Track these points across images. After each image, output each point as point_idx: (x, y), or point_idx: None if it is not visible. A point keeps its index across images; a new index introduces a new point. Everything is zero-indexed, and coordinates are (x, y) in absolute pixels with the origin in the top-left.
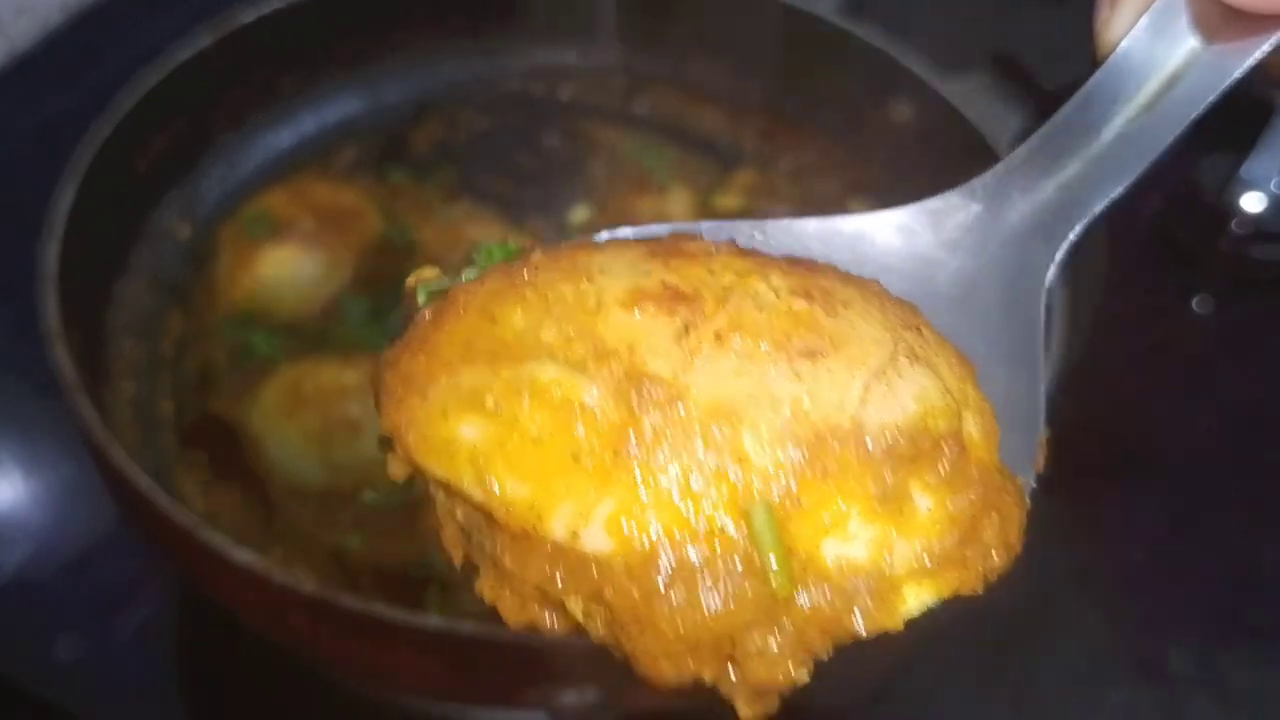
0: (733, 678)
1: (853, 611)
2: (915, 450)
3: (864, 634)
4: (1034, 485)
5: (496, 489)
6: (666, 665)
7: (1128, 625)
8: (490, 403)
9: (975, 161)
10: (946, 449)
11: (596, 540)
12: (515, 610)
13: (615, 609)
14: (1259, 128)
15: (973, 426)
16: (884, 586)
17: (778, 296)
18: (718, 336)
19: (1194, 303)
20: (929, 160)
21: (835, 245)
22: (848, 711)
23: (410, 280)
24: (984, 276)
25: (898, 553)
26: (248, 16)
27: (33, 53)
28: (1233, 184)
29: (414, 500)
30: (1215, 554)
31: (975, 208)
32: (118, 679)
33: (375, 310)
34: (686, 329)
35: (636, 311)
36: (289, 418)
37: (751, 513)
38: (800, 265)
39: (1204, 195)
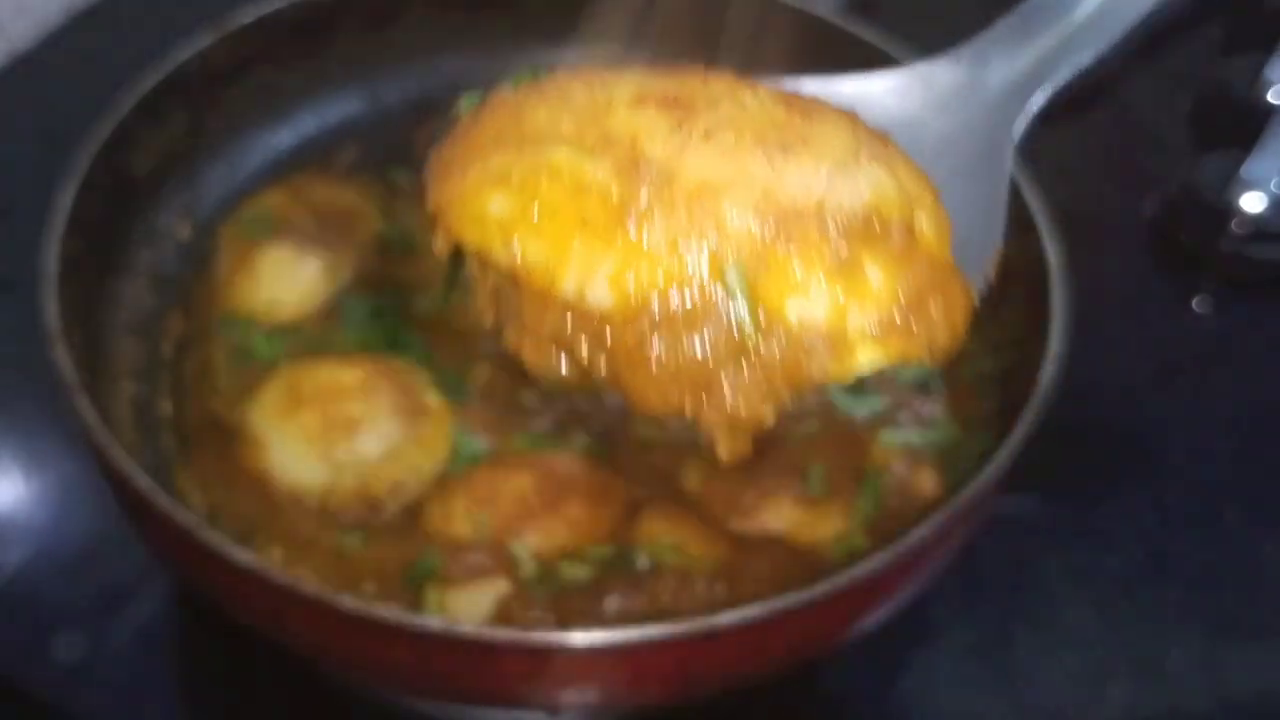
0: (709, 413)
1: (810, 361)
2: (868, 230)
3: (819, 379)
4: (984, 288)
5: (519, 254)
6: (654, 397)
7: (1127, 625)
8: (515, 180)
9: None
10: (896, 233)
11: (600, 295)
12: (534, 354)
13: (613, 352)
14: (1259, 128)
15: (925, 223)
16: (839, 344)
17: (761, 105)
18: (707, 131)
19: (1193, 303)
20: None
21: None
22: (846, 709)
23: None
24: (964, 133)
25: (851, 316)
26: (247, 17)
27: (32, 52)
28: (1233, 184)
29: (414, 503)
30: (1216, 554)
31: (960, 72)
32: (117, 679)
33: (376, 310)
34: (680, 124)
35: (639, 109)
36: (289, 418)
37: (726, 271)
38: (786, 92)
39: (1204, 195)
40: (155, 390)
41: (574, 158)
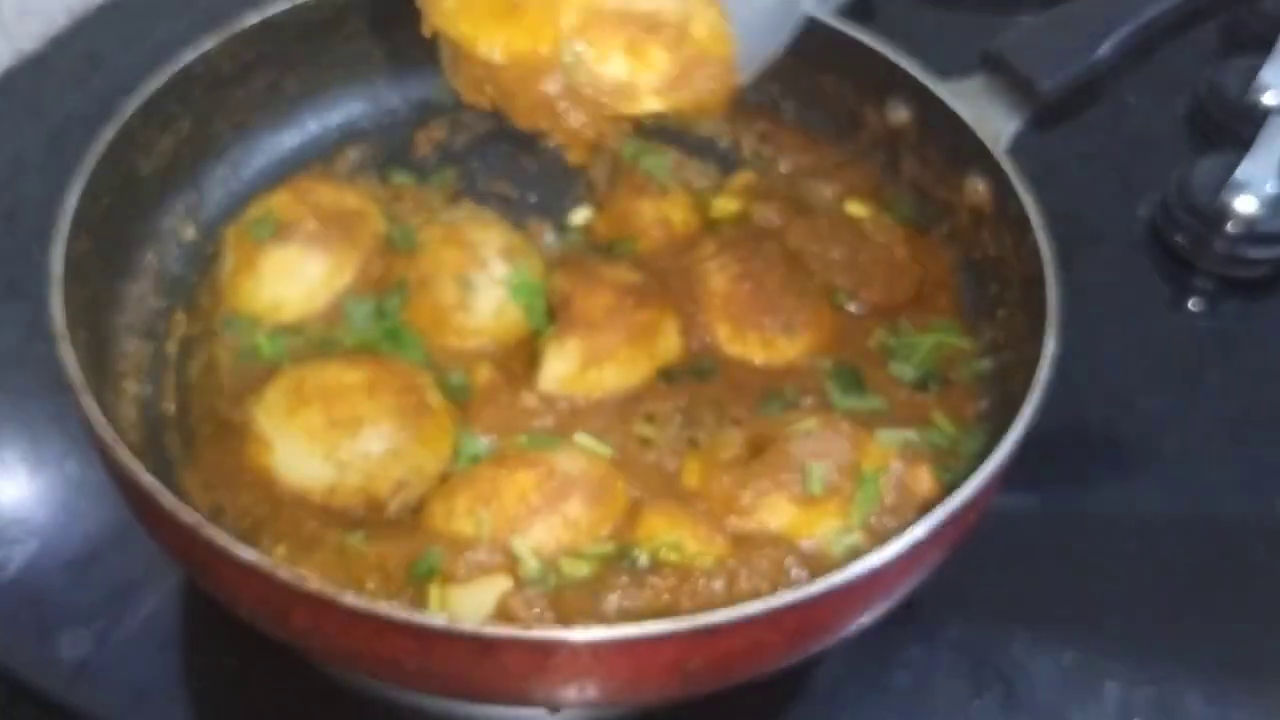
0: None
1: (617, 102)
2: (653, 27)
3: (624, 112)
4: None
5: (460, 31)
6: (525, 119)
7: (1121, 623)
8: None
9: (972, 162)
10: (673, 30)
11: (496, 55)
12: (466, 92)
13: (504, 88)
14: (1253, 131)
15: (699, 27)
16: (633, 93)
17: None
18: None
19: (1188, 303)
20: (927, 162)
21: None
22: (843, 705)
23: None
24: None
25: (639, 77)
26: (251, 19)
27: (38, 55)
28: (1227, 186)
29: (417, 501)
30: (1210, 552)
31: None
32: (122, 676)
33: (379, 310)
34: None
35: None
36: (292, 417)
37: (564, 44)
38: None
39: (1198, 197)
40: (160, 390)
41: None
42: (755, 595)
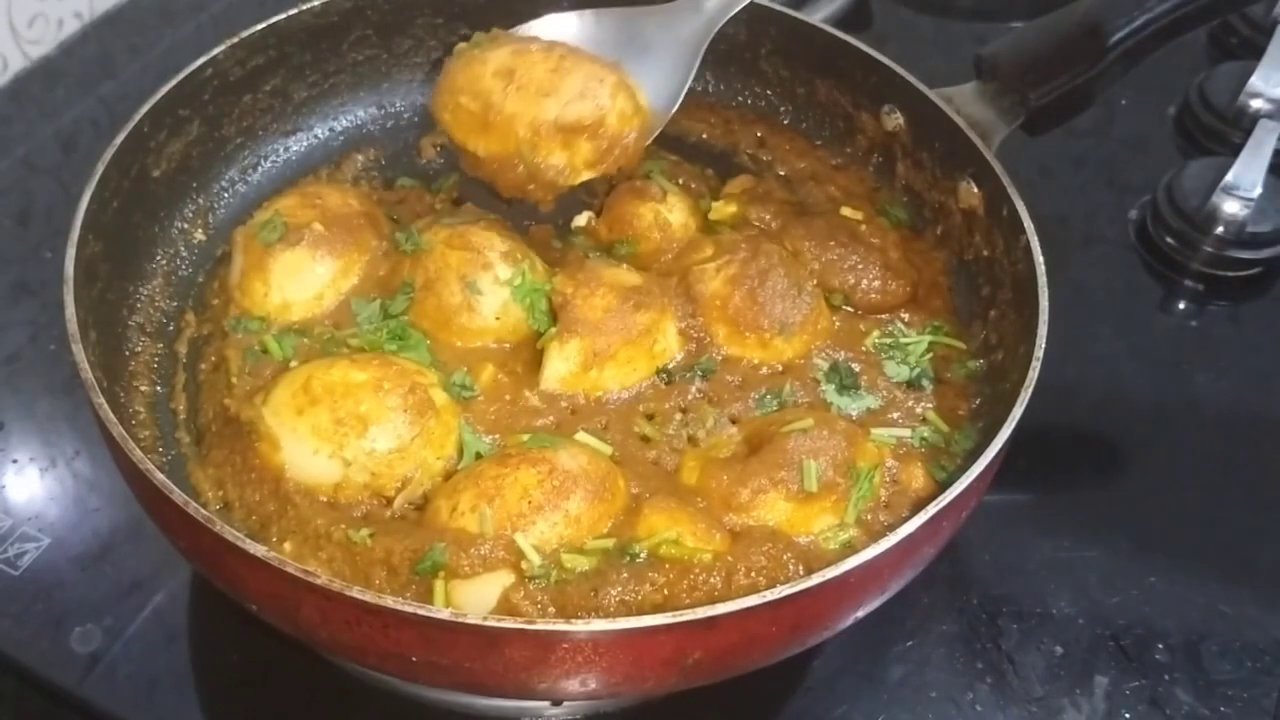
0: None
1: (565, 176)
2: (579, 128)
3: (571, 180)
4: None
5: (456, 138)
6: (506, 190)
7: (1111, 617)
8: (450, 107)
9: (965, 166)
10: (592, 128)
11: (481, 153)
12: (470, 170)
13: (490, 171)
14: (1242, 136)
15: (613, 119)
16: (573, 168)
17: (549, 67)
18: (519, 86)
19: (1176, 304)
20: (921, 166)
21: (606, 27)
22: (839, 696)
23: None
24: (679, 43)
25: (576, 157)
26: (259, 26)
27: (48, 59)
28: (1216, 189)
29: (422, 498)
30: (1197, 548)
31: (677, 13)
32: (132, 670)
33: (384, 311)
34: (512, 80)
35: (506, 78)
36: (300, 416)
37: (522, 144)
38: (565, 50)
39: (1187, 200)
40: (171, 389)
41: (494, 84)
42: (753, 590)
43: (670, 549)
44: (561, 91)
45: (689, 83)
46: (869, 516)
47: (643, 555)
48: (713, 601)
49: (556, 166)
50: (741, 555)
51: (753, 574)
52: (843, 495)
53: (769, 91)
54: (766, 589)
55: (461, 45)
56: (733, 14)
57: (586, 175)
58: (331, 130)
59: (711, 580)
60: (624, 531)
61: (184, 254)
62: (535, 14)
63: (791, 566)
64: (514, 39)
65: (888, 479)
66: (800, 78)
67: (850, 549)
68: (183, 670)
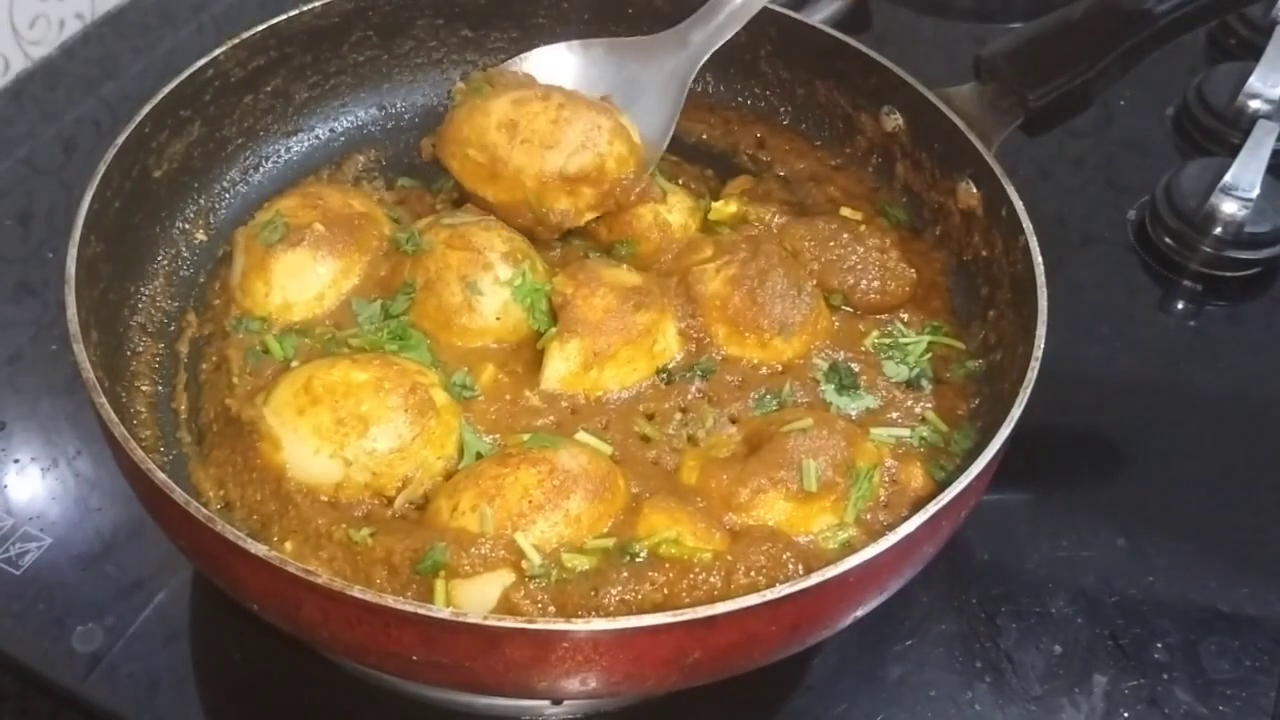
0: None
1: (568, 218)
2: (582, 178)
3: (573, 220)
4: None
5: (467, 186)
6: (512, 221)
7: (1110, 616)
8: (471, 152)
9: (964, 167)
10: (593, 176)
11: (490, 200)
12: (480, 210)
13: (501, 215)
14: (1240, 137)
15: (611, 164)
16: (576, 212)
17: (550, 118)
18: (524, 140)
19: (1175, 305)
20: (920, 167)
21: (595, 60)
22: (839, 695)
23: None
24: (666, 76)
25: (579, 202)
26: (260, 27)
27: (50, 60)
28: (1214, 190)
29: (422, 497)
30: (1195, 547)
31: (672, 42)
32: (134, 669)
33: (385, 311)
34: (516, 134)
35: (507, 128)
36: (301, 416)
37: (529, 195)
38: (563, 99)
39: (1186, 201)
40: (172, 389)
41: (500, 137)
42: (752, 589)
43: (670, 548)
44: (564, 144)
45: (677, 116)
46: (868, 516)
47: (643, 555)
48: (713, 601)
49: (562, 211)
50: (741, 555)
51: (752, 573)
52: (842, 495)
53: (769, 92)
54: (766, 589)
55: (460, 86)
56: (716, 48)
57: (589, 217)
58: (332, 131)
59: (711, 580)
60: (624, 531)
61: (185, 254)
62: (534, 15)
63: (791, 566)
64: (511, 85)
65: (887, 479)
66: (800, 79)
67: (849, 549)
68: (184, 669)
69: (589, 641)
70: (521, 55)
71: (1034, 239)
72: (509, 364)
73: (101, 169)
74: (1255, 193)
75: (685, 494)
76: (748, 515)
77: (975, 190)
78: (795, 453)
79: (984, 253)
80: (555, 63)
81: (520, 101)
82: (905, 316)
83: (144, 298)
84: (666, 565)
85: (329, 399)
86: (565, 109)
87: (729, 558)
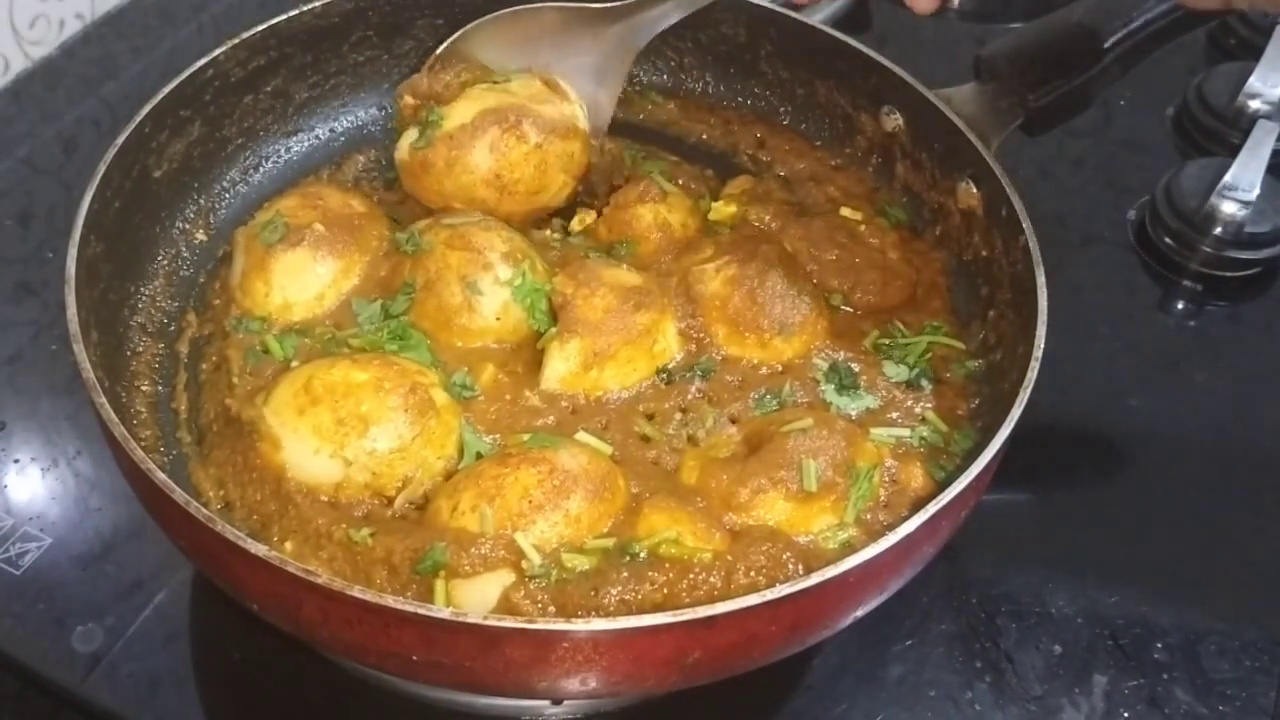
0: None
1: (538, 200)
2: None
3: (542, 207)
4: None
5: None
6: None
7: (1110, 615)
8: (458, 205)
9: (964, 167)
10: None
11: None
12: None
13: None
14: (1240, 137)
15: (581, 167)
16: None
17: (533, 165)
18: (513, 191)
19: (1175, 305)
20: (920, 167)
21: (542, 25)
22: (838, 695)
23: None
24: (616, 48)
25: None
26: (260, 27)
27: (50, 60)
28: (1214, 190)
29: (422, 497)
30: (1195, 547)
31: (622, 14)
32: (134, 669)
33: (385, 311)
34: (500, 179)
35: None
36: (301, 415)
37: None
38: (530, 121)
39: (1186, 201)
40: (172, 389)
41: (478, 207)
42: (752, 589)
43: (670, 548)
44: (549, 185)
45: (618, 91)
46: (868, 516)
47: (643, 555)
48: (713, 601)
49: (529, 182)
50: (741, 555)
51: (752, 573)
52: (842, 495)
53: (769, 92)
54: (766, 588)
55: (408, 102)
56: (665, 27)
57: (564, 196)
58: (332, 131)
59: (711, 580)
60: (624, 531)
61: (185, 254)
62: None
63: (791, 566)
64: (467, 100)
65: (887, 479)
66: (800, 79)
67: (849, 549)
68: (184, 669)
69: (589, 641)
70: (464, 29)
71: (1034, 239)
72: (509, 364)
73: (101, 169)
74: (1255, 193)
75: (685, 494)
76: (748, 515)
77: (975, 190)
78: (795, 453)
79: (984, 253)
80: (500, 33)
81: (498, 151)
82: (905, 316)
83: (144, 298)
84: (666, 565)
85: (329, 399)
86: (542, 148)
87: (729, 558)
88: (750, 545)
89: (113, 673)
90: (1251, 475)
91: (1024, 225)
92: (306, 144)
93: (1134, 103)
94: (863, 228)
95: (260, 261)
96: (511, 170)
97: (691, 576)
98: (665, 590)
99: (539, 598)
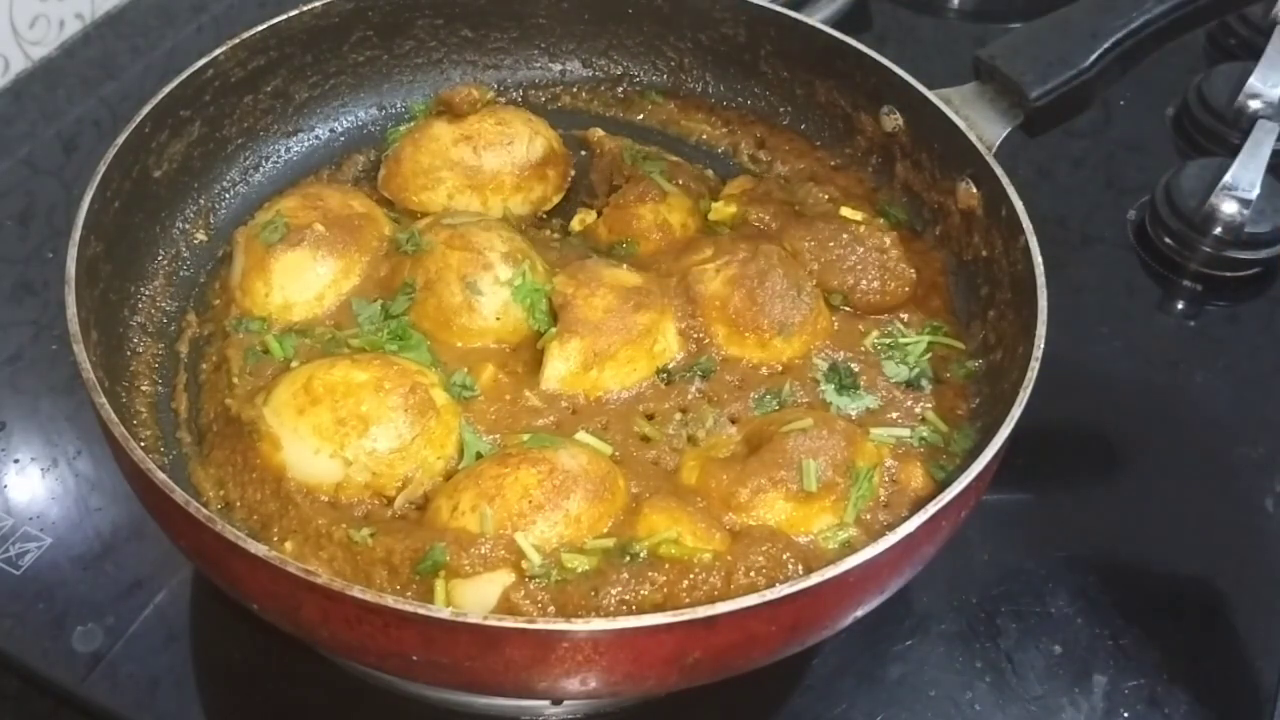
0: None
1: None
2: (546, 161)
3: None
4: None
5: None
6: None
7: (1109, 616)
8: (443, 174)
9: (964, 167)
10: (553, 158)
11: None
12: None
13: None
14: (1240, 136)
15: (555, 143)
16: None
17: (494, 121)
18: (486, 145)
19: (1175, 305)
20: (920, 167)
21: None
22: (839, 696)
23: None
24: None
25: (550, 183)
26: (260, 27)
27: (50, 60)
28: (1214, 190)
29: (423, 497)
30: (1195, 548)
31: None
32: (133, 670)
33: (385, 312)
34: (472, 139)
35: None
36: (302, 415)
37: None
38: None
39: (1186, 201)
40: (172, 389)
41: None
42: (752, 590)
43: (670, 548)
44: (518, 137)
45: None
46: (868, 516)
47: (643, 555)
48: (713, 601)
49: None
50: (741, 555)
51: (752, 574)
52: (842, 495)
53: (769, 92)
54: (766, 589)
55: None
56: None
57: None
58: (332, 131)
59: (711, 580)
60: (624, 531)
61: (186, 254)
62: (534, 16)
63: (791, 566)
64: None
65: (887, 479)
66: (800, 79)
67: (849, 549)
68: (184, 669)
69: (589, 641)
70: None
71: (1034, 239)
72: (509, 364)
73: (101, 169)
74: (1255, 193)
75: (685, 494)
76: (748, 515)
77: (975, 190)
78: (795, 453)
79: (984, 253)
80: None
81: (455, 121)
82: (905, 316)
83: (144, 298)
84: (667, 566)
85: (329, 399)
86: (498, 111)
87: (729, 558)
88: (750, 546)
89: (113, 673)
90: (1252, 475)
91: (1024, 225)
92: (306, 144)
93: (1134, 103)
94: (863, 228)
95: (260, 261)
96: (475, 128)
97: (691, 577)
98: (665, 591)
99: (539, 598)
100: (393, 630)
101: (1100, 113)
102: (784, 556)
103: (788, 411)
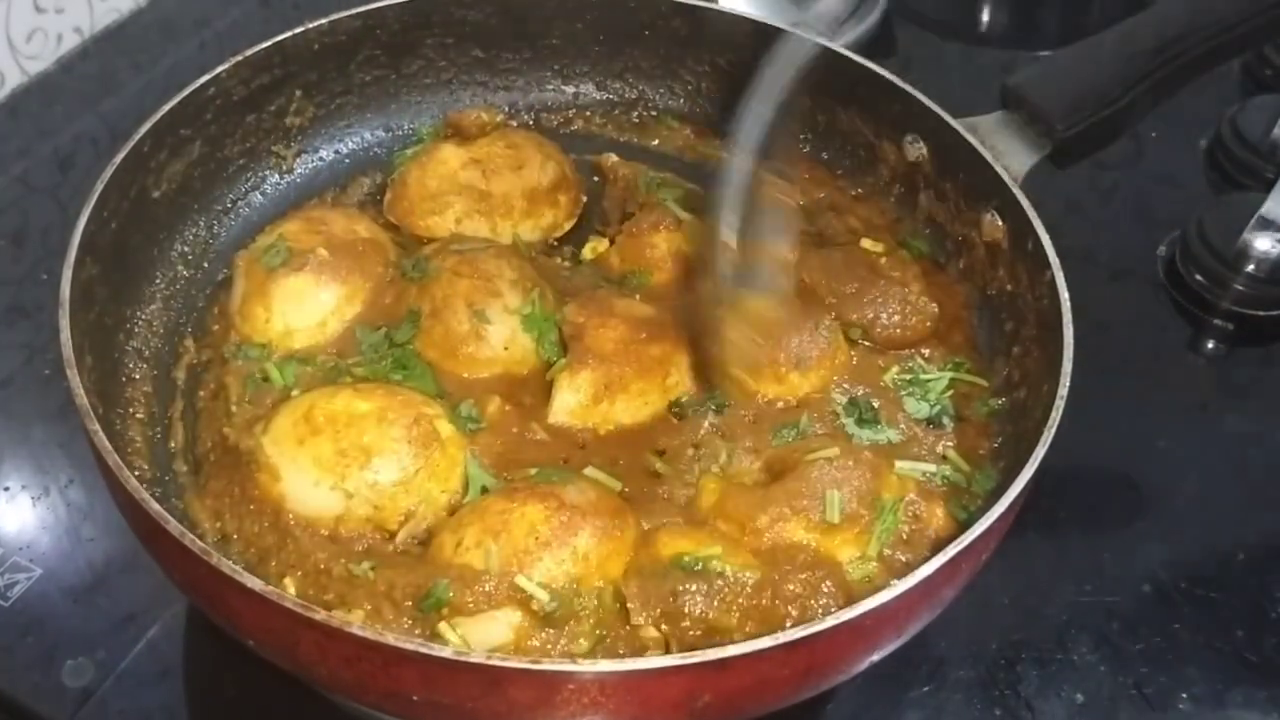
0: None
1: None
2: (556, 186)
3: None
4: None
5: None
6: None
7: (1135, 663)
8: (450, 198)
9: (989, 198)
10: (564, 183)
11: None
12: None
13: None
14: (1276, 170)
15: (567, 169)
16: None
17: (504, 145)
18: (495, 170)
19: (1206, 344)
20: (944, 198)
21: None
22: None
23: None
24: None
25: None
26: (264, 44)
27: (47, 75)
28: (1248, 226)
29: (426, 532)
30: (1221, 593)
31: None
32: (125, 705)
33: (389, 339)
34: (480, 162)
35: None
36: (302, 446)
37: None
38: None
39: (1218, 236)
40: (169, 417)
41: (467, 195)
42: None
43: (715, 564)
44: (529, 161)
45: None
46: (889, 552)
47: (699, 568)
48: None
49: (552, 223)
50: (780, 576)
51: (789, 603)
52: (865, 528)
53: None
54: (781, 630)
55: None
56: None
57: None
58: (337, 153)
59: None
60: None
61: (184, 278)
62: (547, 36)
63: (825, 591)
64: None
65: (909, 515)
66: (821, 105)
67: (869, 583)
68: (177, 706)
69: (595, 683)
70: None
71: (1060, 274)
72: (516, 395)
73: (99, 188)
74: None
75: (699, 520)
76: (765, 544)
77: (1000, 222)
78: (819, 482)
79: (1009, 287)
80: None
81: (463, 144)
82: (926, 352)
83: (141, 322)
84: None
85: (330, 429)
86: (509, 134)
87: (775, 576)
88: (790, 569)
89: (103, 709)
90: None
91: (1050, 259)
92: (310, 166)
93: (1166, 135)
94: (884, 260)
95: (261, 286)
96: (483, 152)
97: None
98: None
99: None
100: (392, 668)
101: (1131, 144)
102: (823, 586)
103: (812, 440)
